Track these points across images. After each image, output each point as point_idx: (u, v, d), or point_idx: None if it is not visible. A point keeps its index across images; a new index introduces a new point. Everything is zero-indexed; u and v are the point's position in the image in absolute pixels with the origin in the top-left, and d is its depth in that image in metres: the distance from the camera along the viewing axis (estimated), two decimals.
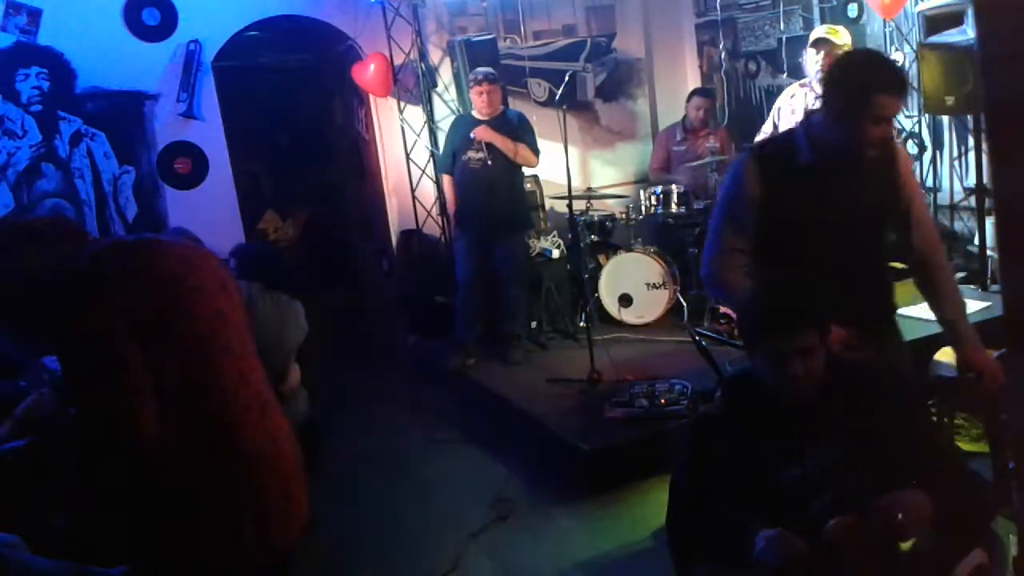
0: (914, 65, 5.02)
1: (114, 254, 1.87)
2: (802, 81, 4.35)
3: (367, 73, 5.94)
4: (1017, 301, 1.08)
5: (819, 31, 4.21)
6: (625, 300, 5.88)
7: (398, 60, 6.13)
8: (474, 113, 5.41)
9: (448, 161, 5.48)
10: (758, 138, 4.58)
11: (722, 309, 5.58)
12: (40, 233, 1.88)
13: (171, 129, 5.57)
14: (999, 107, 1.08)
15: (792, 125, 4.26)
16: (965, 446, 3.67)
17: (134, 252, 1.89)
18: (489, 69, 5.41)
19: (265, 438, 1.94)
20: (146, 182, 5.56)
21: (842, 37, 4.13)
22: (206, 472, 1.84)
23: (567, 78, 5.18)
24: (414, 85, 6.23)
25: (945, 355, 3.49)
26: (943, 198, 5.45)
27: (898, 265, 5.16)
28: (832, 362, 2.08)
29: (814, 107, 4.21)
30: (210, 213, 5.55)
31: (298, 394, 3.65)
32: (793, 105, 4.32)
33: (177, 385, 1.80)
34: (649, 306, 5.87)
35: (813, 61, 4.18)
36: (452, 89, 6.30)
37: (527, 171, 5.62)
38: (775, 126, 4.46)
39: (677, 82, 7.12)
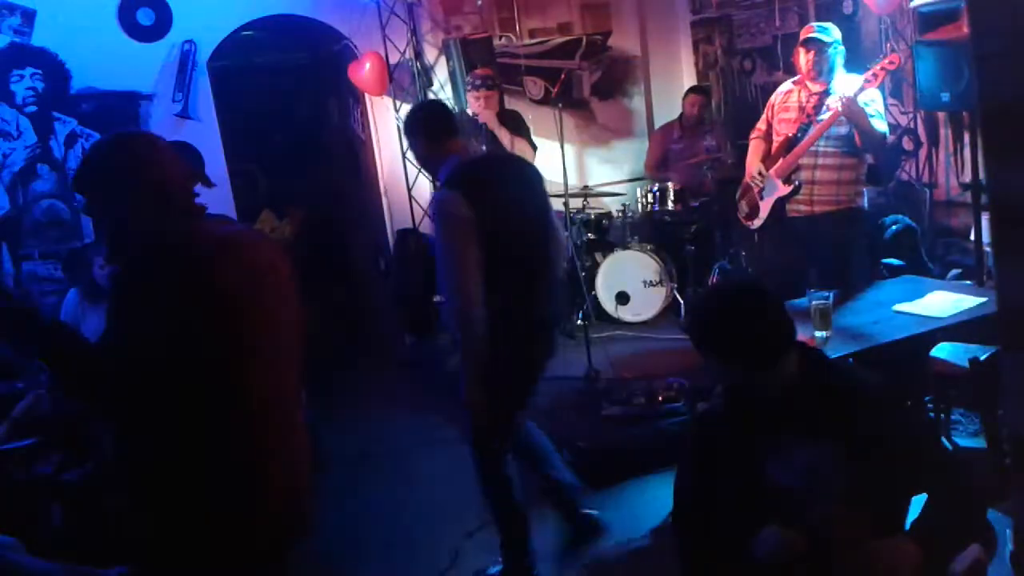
0: (909, 61, 5.03)
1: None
2: (795, 79, 4.34)
3: (362, 72, 5.93)
4: (1012, 298, 1.08)
5: (808, 30, 4.20)
6: (622, 298, 5.88)
7: (393, 59, 6.12)
8: (469, 112, 5.40)
9: None
10: (753, 134, 4.58)
11: None
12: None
13: (166, 129, 5.55)
14: (993, 104, 1.08)
15: (787, 123, 4.29)
16: (963, 441, 3.68)
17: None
18: (487, 73, 5.39)
19: (280, 449, 1.94)
20: None
21: (832, 35, 4.13)
22: (204, 478, 1.84)
23: (562, 77, 5.19)
24: (410, 84, 6.23)
25: (942, 351, 3.50)
26: (939, 194, 5.46)
27: (893, 261, 5.19)
28: (820, 363, 2.07)
29: (808, 104, 4.21)
30: None
31: None
32: (788, 103, 4.32)
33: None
34: (646, 304, 5.87)
35: (804, 60, 4.18)
36: (448, 88, 6.29)
37: None
38: (769, 124, 4.46)
39: (673, 80, 7.11)
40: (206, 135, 5.66)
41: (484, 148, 5.26)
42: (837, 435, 1.96)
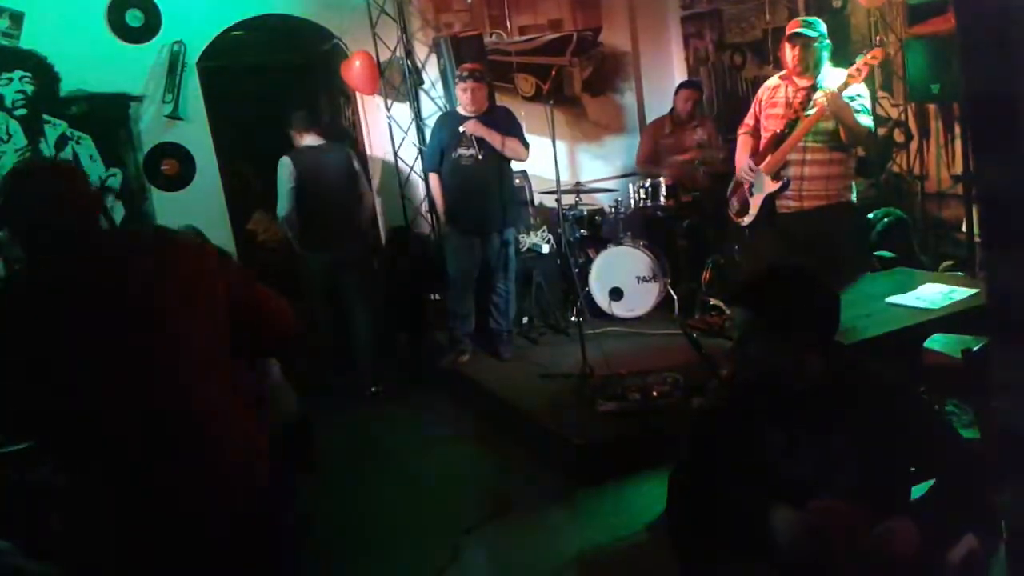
0: (899, 54, 5.04)
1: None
2: (782, 74, 4.34)
3: (353, 71, 5.92)
4: (1000, 291, 1.08)
5: (793, 25, 4.20)
6: (615, 294, 5.89)
7: (384, 57, 6.11)
8: (459, 109, 5.38)
9: (436, 159, 5.45)
10: (741, 130, 4.58)
11: (713, 301, 5.60)
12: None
13: (157, 130, 5.54)
14: (979, 95, 1.08)
15: (774, 119, 4.29)
16: None
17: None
18: (475, 66, 5.36)
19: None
20: (133, 184, 5.53)
21: (818, 29, 4.13)
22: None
23: (553, 73, 5.17)
24: (400, 82, 6.22)
25: (935, 343, 3.51)
26: (930, 186, 5.48)
27: (885, 254, 5.20)
28: (832, 354, 2.07)
29: (794, 100, 4.21)
30: (198, 214, 5.51)
31: (284, 391, 3.61)
32: (775, 98, 4.32)
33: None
34: (640, 299, 5.88)
35: (789, 55, 4.18)
36: (439, 86, 6.28)
37: (516, 166, 5.61)
38: (756, 119, 4.46)
39: (664, 75, 7.12)
40: (197, 136, 5.64)
41: (475, 154, 5.24)
42: (850, 430, 1.96)
